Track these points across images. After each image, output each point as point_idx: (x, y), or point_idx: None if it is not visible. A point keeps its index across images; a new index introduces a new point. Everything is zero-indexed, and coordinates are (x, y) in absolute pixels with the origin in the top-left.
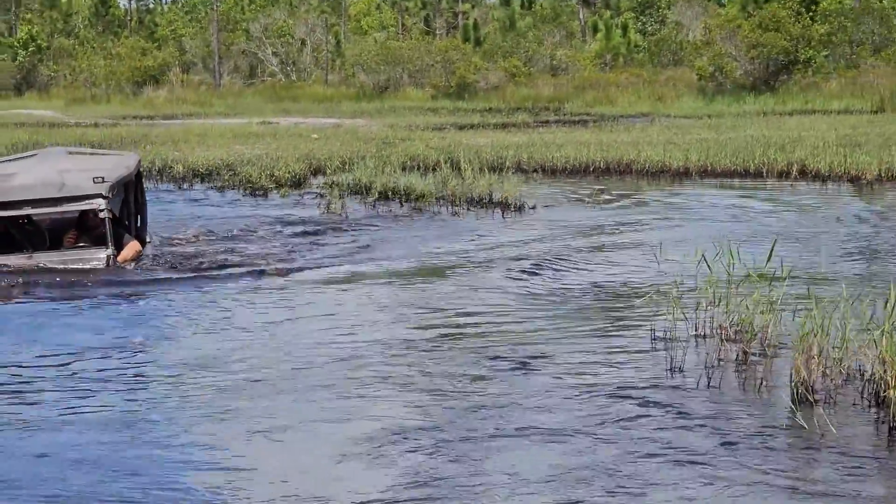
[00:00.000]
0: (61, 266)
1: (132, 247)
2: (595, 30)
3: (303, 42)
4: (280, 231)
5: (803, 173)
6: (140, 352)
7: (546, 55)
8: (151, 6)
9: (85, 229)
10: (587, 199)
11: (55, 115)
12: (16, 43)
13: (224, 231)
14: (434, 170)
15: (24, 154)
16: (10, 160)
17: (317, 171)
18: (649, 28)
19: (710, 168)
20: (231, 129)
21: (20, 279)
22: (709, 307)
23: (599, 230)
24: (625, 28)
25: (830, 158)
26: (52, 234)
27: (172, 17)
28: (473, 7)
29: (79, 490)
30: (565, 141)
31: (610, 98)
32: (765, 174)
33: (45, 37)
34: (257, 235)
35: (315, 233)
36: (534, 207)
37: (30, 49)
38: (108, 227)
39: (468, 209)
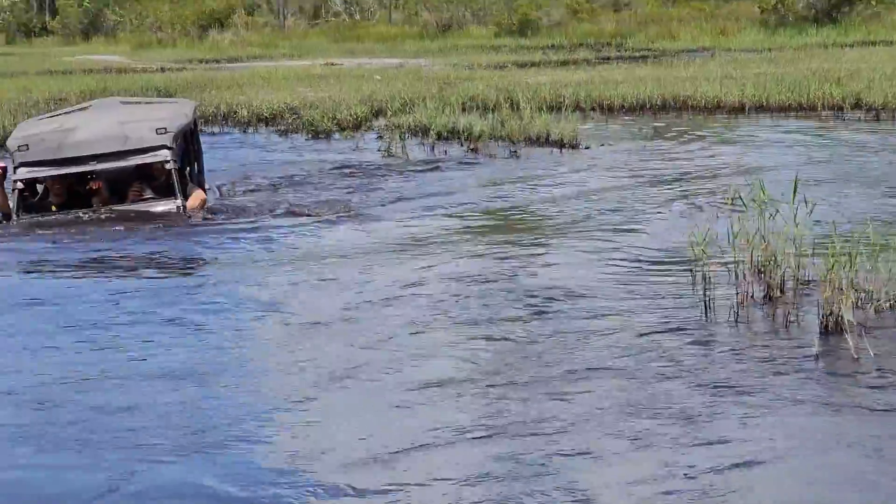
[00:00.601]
0: (130, 219)
1: (198, 196)
2: None
3: None
4: (340, 175)
5: (857, 107)
6: (216, 300)
7: None
8: None
9: (148, 181)
10: (638, 137)
11: (122, 60)
12: None
13: (286, 176)
14: (493, 109)
15: (79, 106)
16: (65, 113)
17: (378, 113)
18: None
19: (765, 103)
20: (295, 72)
21: (92, 233)
22: (744, 246)
23: (648, 169)
24: None
25: (885, 91)
26: (112, 187)
27: None
28: None
29: (164, 439)
30: (624, 78)
31: (672, 33)
32: (818, 108)
33: None
34: (318, 181)
35: (372, 176)
36: (588, 147)
37: None
38: (175, 177)
39: (524, 148)
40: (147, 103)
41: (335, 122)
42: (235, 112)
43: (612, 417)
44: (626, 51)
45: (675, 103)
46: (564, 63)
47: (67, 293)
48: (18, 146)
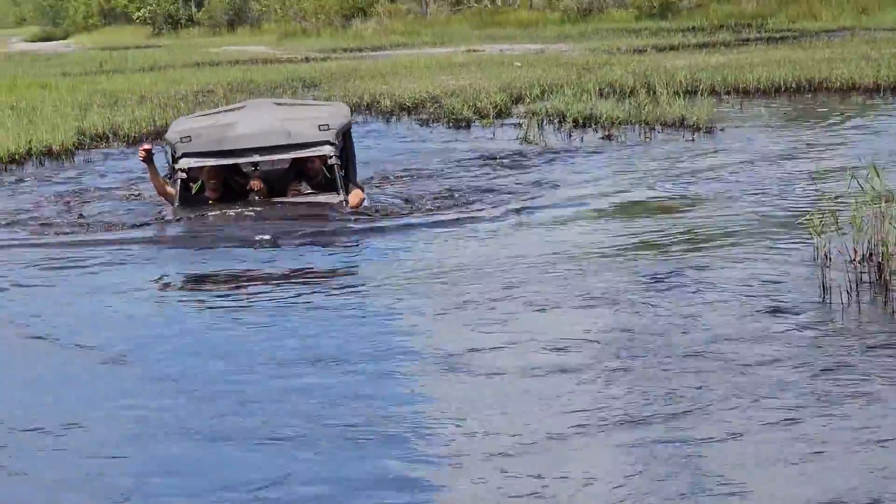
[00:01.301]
0: (297, 213)
1: (357, 194)
2: None
3: None
4: (478, 165)
5: None
6: (374, 292)
7: None
8: None
9: (306, 178)
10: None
11: (266, 50)
12: None
13: (429, 168)
14: (630, 94)
15: (232, 106)
16: (220, 112)
17: (518, 100)
18: None
19: None
20: (436, 60)
21: (255, 226)
22: (860, 229)
23: (775, 152)
24: None
25: None
26: (270, 185)
27: None
28: None
29: (308, 426)
30: (761, 60)
31: (813, 12)
32: None
33: None
34: (461, 172)
35: (509, 167)
36: (722, 130)
37: None
38: (337, 173)
39: (659, 134)
40: (301, 104)
41: (475, 110)
42: (378, 102)
43: (731, 401)
44: (766, 32)
45: (809, 85)
46: (703, 46)
47: (238, 283)
48: (181, 137)
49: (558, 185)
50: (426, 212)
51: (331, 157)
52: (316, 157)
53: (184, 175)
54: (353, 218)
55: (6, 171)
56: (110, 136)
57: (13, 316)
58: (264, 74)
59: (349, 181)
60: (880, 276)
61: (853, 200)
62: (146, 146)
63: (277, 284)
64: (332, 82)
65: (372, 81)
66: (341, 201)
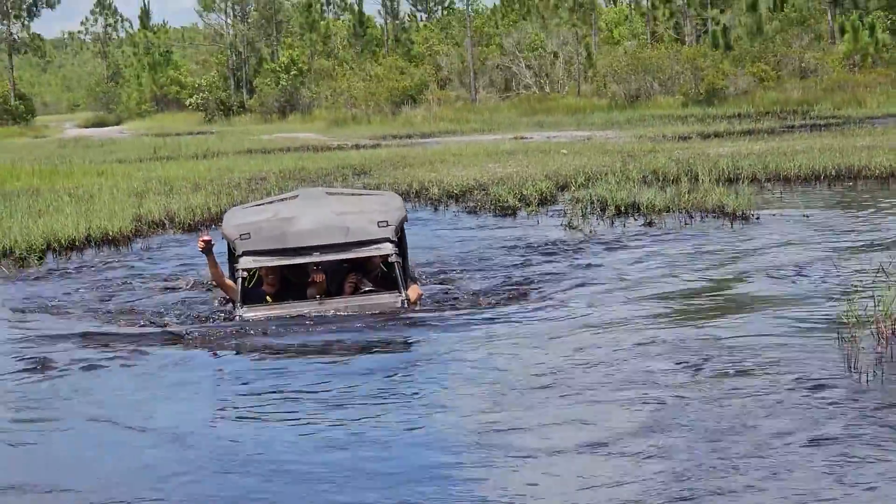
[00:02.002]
0: (359, 312)
1: (415, 290)
2: (843, 31)
3: (555, 54)
4: (523, 254)
5: None
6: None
7: (794, 58)
8: (407, 25)
9: (363, 272)
10: (801, 209)
11: (317, 137)
12: (278, 67)
13: (476, 258)
14: (674, 182)
15: (285, 195)
16: (273, 202)
17: (563, 187)
18: None
19: None
20: (484, 148)
21: (318, 325)
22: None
23: (810, 239)
24: (872, 27)
25: None
26: (328, 278)
27: (428, 34)
28: (722, 11)
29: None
30: (804, 148)
31: (858, 99)
32: None
33: (306, 59)
34: (506, 260)
35: (553, 254)
36: (758, 218)
37: (291, 72)
38: (398, 271)
39: (699, 222)
40: (354, 194)
41: (521, 198)
42: (427, 189)
43: (767, 470)
44: (810, 119)
45: (849, 173)
46: (748, 132)
47: (309, 380)
48: (241, 234)
49: (598, 274)
50: (474, 304)
51: (391, 255)
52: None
53: (245, 274)
54: (412, 314)
55: (66, 257)
56: (166, 222)
57: (81, 405)
58: (315, 162)
59: (407, 276)
60: None
61: (882, 285)
62: (205, 237)
63: (339, 388)
64: (382, 170)
65: (421, 169)
66: (402, 300)
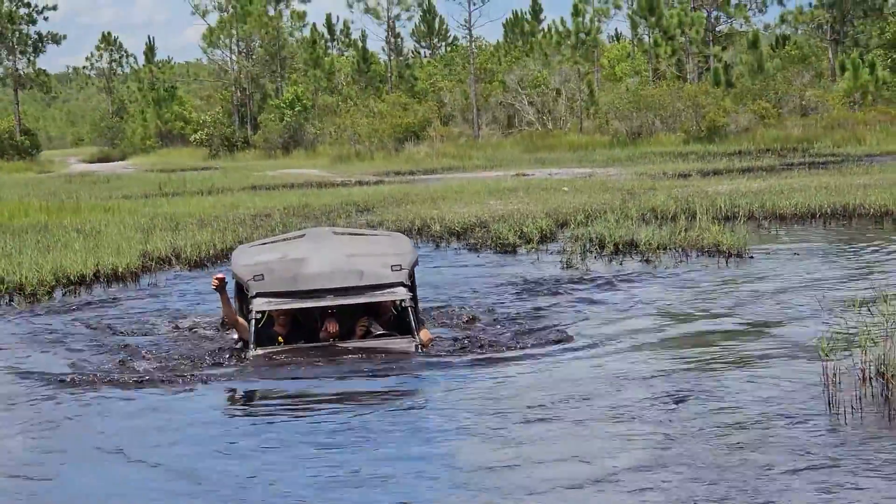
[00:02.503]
0: (371, 355)
1: (426, 333)
2: (843, 68)
3: (557, 91)
4: (521, 293)
5: None
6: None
7: (795, 95)
8: (410, 61)
9: (374, 315)
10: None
11: (321, 173)
12: (282, 103)
13: (480, 294)
14: (672, 219)
15: (291, 234)
16: (280, 241)
17: (563, 225)
18: None
19: None
20: (486, 185)
21: (330, 367)
22: (866, 349)
23: (799, 277)
24: (872, 65)
25: None
26: (339, 321)
27: (431, 71)
28: (724, 49)
29: None
30: (801, 185)
31: (858, 137)
32: None
33: (310, 95)
34: (507, 300)
35: (556, 293)
36: (752, 257)
37: (296, 108)
38: (411, 315)
39: (693, 260)
40: (361, 234)
41: (521, 235)
42: (429, 226)
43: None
44: (810, 156)
45: (844, 211)
46: (748, 170)
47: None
48: (254, 276)
49: (595, 313)
50: (476, 346)
51: (405, 300)
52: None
53: (259, 316)
54: (423, 361)
55: (75, 293)
56: (173, 258)
57: (89, 439)
58: (319, 198)
59: (418, 320)
60: (886, 393)
61: (863, 324)
62: (219, 276)
63: (350, 428)
64: (385, 206)
65: (423, 206)
66: (416, 345)
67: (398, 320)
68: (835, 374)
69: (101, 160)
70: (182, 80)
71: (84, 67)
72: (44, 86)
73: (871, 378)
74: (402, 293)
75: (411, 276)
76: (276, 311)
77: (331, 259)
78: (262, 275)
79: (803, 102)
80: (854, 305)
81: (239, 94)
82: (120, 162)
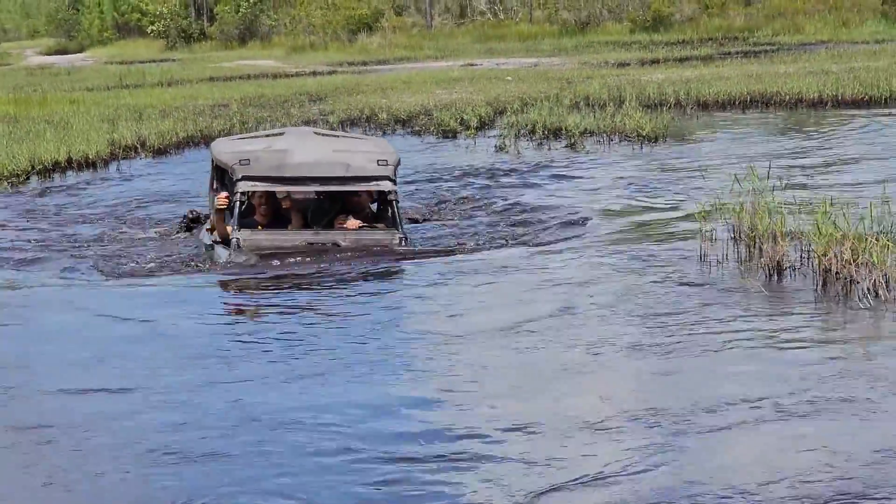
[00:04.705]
0: (356, 245)
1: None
2: None
3: None
4: (460, 175)
5: None
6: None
7: None
8: None
9: (352, 211)
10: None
11: (276, 64)
12: None
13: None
14: (601, 107)
15: (272, 131)
16: (261, 136)
17: (501, 112)
18: None
19: (840, 98)
20: (433, 75)
21: (309, 256)
22: (738, 217)
23: (702, 159)
24: None
25: None
26: (305, 213)
27: None
28: None
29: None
30: (731, 74)
31: (797, 25)
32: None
33: None
34: (440, 183)
35: (483, 174)
36: (665, 140)
37: (252, 0)
38: (397, 211)
39: (616, 144)
40: (342, 136)
41: (461, 122)
42: (377, 115)
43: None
44: (749, 45)
45: (762, 99)
46: (685, 59)
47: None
48: (240, 160)
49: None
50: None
51: (390, 192)
52: (368, 191)
53: (244, 198)
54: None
55: (50, 178)
56: (139, 146)
57: (73, 353)
58: (273, 89)
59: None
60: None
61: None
62: (225, 195)
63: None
64: (336, 97)
65: (373, 95)
66: (401, 238)
67: (377, 218)
68: (712, 235)
69: (58, 52)
70: None
71: None
72: None
73: (738, 238)
74: (387, 185)
75: (395, 175)
76: (258, 200)
77: (317, 152)
78: (248, 160)
79: None
80: (735, 181)
81: None
82: (78, 54)
